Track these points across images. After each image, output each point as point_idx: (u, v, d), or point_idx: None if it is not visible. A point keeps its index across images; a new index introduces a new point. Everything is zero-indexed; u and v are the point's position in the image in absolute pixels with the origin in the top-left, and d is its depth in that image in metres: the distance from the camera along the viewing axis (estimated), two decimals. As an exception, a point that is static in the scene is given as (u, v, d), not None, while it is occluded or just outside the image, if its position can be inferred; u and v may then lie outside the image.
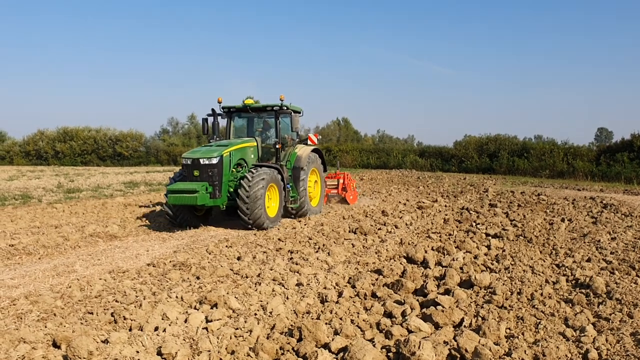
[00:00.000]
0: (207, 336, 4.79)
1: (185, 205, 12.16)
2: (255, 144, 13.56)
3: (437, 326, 5.15)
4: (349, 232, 10.94)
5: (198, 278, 7.30)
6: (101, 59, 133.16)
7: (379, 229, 11.27)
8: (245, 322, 5.28)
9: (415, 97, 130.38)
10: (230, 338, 4.87)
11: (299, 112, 14.65)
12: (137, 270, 7.84)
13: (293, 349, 4.63)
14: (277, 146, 13.64)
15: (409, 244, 9.60)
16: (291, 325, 5.26)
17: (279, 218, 12.74)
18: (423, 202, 16.09)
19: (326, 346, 4.64)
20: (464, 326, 5.12)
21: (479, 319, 5.32)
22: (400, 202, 16.97)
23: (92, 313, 5.74)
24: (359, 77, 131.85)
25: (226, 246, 9.73)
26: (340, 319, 5.32)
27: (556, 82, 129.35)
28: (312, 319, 5.39)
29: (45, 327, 5.32)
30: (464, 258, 8.19)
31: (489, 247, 9.30)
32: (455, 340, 4.60)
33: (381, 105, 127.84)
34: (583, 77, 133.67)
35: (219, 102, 14.30)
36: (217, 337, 4.83)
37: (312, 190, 14.97)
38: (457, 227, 11.74)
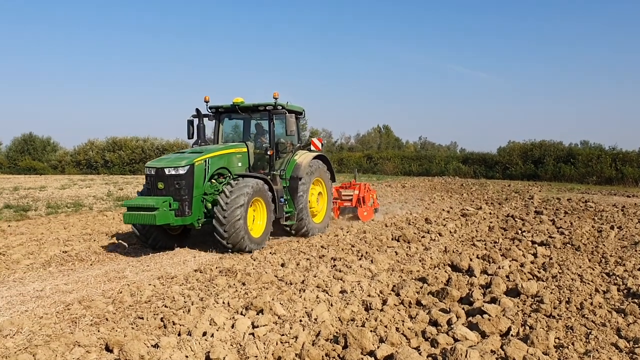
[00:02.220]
0: (254, 342, 4.87)
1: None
2: (245, 149, 11.71)
3: (483, 335, 5.10)
4: (392, 239, 10.91)
5: (244, 284, 7.40)
6: (147, 72, 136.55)
7: (423, 236, 11.19)
8: (291, 328, 5.34)
9: (458, 104, 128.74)
10: (277, 344, 4.94)
11: (300, 113, 12.98)
12: (185, 276, 8.02)
13: (339, 355, 4.66)
14: (268, 152, 11.86)
15: (453, 251, 9.51)
16: (336, 332, 5.29)
17: (266, 238, 10.87)
18: (467, 210, 15.91)
19: (372, 354, 4.65)
20: (512, 335, 5.05)
21: (527, 328, 5.24)
22: (443, 210, 16.81)
23: (142, 318, 5.89)
24: (400, 84, 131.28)
25: (270, 253, 9.85)
26: (385, 326, 5.32)
27: (603, 86, 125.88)
28: (357, 326, 5.41)
29: (98, 331, 5.50)
30: (509, 266, 8.08)
31: (535, 255, 9.13)
32: (503, 350, 4.55)
33: (423, 112, 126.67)
34: (630, 80, 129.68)
35: (206, 101, 12.39)
36: (264, 343, 4.90)
37: (315, 204, 12.95)
38: (502, 234, 11.57)
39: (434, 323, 5.53)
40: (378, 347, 4.66)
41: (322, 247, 10.26)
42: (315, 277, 7.54)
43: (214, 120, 12.62)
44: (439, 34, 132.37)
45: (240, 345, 4.90)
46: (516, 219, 13.86)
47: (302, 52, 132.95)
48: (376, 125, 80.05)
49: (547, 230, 11.84)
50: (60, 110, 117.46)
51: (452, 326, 5.20)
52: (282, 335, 5.18)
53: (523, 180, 35.75)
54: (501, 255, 8.95)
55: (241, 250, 10.06)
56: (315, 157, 12.95)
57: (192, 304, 6.26)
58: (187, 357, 4.64)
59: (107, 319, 5.94)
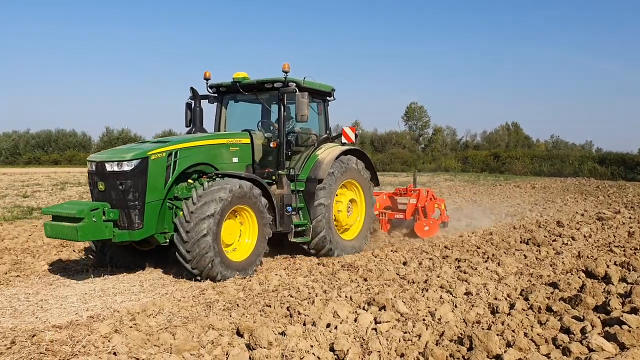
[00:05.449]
0: (377, 337, 4.91)
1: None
2: (247, 140, 9.15)
3: (622, 347, 4.74)
4: (521, 242, 10.46)
5: (365, 280, 7.49)
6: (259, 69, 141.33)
7: (554, 240, 10.62)
8: (414, 326, 5.31)
9: (594, 100, 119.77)
10: (399, 341, 4.94)
11: (328, 94, 10.46)
12: (309, 268, 8.29)
13: (463, 357, 4.57)
14: (271, 144, 9.30)
15: (587, 257, 8.93)
16: (460, 333, 5.19)
17: (254, 262, 8.28)
18: (604, 213, 14.84)
19: (498, 358, 4.51)
20: (655, 350, 4.66)
21: (674, 343, 4.81)
22: (577, 213, 15.82)
23: (270, 306, 6.16)
24: (530, 79, 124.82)
25: (391, 250, 9.86)
26: (513, 331, 5.13)
27: None
28: (483, 329, 5.27)
29: (230, 316, 5.84)
30: (653, 276, 7.44)
31: (684, 265, 8.32)
32: (645, 364, 4.22)
33: (555, 109, 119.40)
34: None
35: (206, 79, 9.94)
36: (387, 339, 4.92)
37: (344, 215, 10.09)
38: (644, 241, 10.67)
39: (565, 330, 5.24)
40: (505, 352, 4.51)
41: (445, 247, 10.08)
42: (438, 277, 7.44)
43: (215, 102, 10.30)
44: (573, 26, 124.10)
45: (363, 340, 4.97)
46: (661, 225, 12.72)
47: (428, 47, 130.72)
48: (504, 122, 77.22)
49: (698, 238, 10.75)
50: (179, 108, 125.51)
51: (586, 335, 4.90)
52: (405, 332, 5.17)
53: (669, 183, 32.65)
54: (643, 264, 8.26)
55: (212, 279, 7.59)
56: (346, 152, 10.10)
57: (315, 296, 6.45)
58: (312, 346, 4.79)
59: (237, 305, 6.28)
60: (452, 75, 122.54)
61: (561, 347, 4.67)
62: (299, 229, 9.33)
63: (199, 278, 7.59)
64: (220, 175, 8.25)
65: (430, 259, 8.95)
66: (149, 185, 7.58)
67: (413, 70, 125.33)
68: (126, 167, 7.47)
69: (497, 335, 4.92)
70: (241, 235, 8.28)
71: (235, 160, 8.92)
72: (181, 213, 7.51)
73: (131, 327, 5.47)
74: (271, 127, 9.80)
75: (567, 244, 10.31)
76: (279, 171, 9.22)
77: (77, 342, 4.98)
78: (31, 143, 70.99)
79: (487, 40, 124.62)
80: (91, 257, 8.90)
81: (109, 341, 4.99)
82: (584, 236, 11.23)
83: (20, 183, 27.94)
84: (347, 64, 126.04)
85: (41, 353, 4.70)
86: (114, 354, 4.66)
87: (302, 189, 9.40)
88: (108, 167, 7.58)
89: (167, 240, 7.95)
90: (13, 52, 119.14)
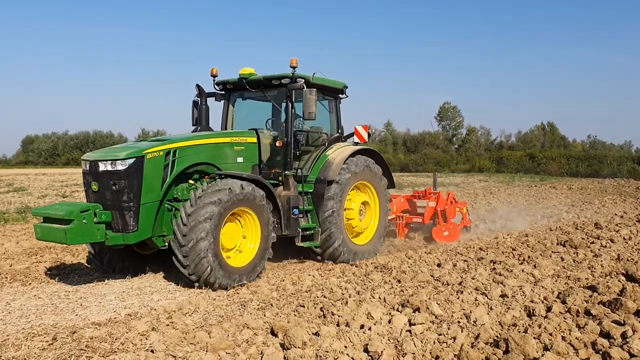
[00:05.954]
0: (411, 339, 4.88)
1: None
2: (253, 139, 8.75)
3: (665, 353, 4.63)
4: (557, 244, 10.26)
5: (399, 281, 7.45)
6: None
7: (592, 242, 10.39)
8: (449, 328, 5.27)
9: (633, 99, 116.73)
10: (434, 343, 4.90)
11: (341, 91, 10.03)
12: (342, 269, 8.30)
13: (499, 360, 4.52)
14: (277, 144, 8.87)
15: (628, 260, 8.71)
16: (496, 336, 5.13)
17: (257, 268, 7.82)
18: (644, 216, 14.46)
19: (535, 361, 4.45)
20: (700, 357, 4.53)
21: None
22: (616, 214, 15.44)
23: (303, 306, 6.19)
24: (566, 79, 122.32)
25: (425, 252, 9.78)
26: (550, 334, 5.04)
27: None
28: (519, 332, 5.19)
29: (264, 315, 5.89)
30: (697, 280, 7.21)
31: None
32: (689, 371, 4.10)
33: (593, 109, 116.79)
34: None
35: (213, 76, 9.58)
36: (421, 341, 4.89)
37: (357, 218, 9.63)
38: (687, 244, 10.35)
39: (605, 335, 5.13)
40: (542, 355, 4.43)
41: (480, 249, 9.95)
42: (473, 279, 7.36)
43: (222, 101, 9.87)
44: (611, 25, 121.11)
45: (398, 341, 4.95)
46: None
47: (462, 47, 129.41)
48: (539, 122, 75.94)
49: None
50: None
51: (627, 340, 4.78)
52: (440, 335, 5.13)
53: None
54: (686, 268, 8.02)
55: (210, 287, 7.21)
56: (359, 152, 9.63)
57: (349, 297, 6.45)
58: (346, 347, 4.79)
59: (271, 305, 6.33)
60: (486, 75, 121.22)
61: (601, 352, 4.58)
62: (307, 232, 8.93)
63: (196, 285, 7.22)
64: (222, 176, 7.86)
65: (465, 260, 8.86)
66: (144, 185, 7.21)
67: (446, 70, 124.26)
68: (120, 166, 7.10)
69: (534, 338, 4.84)
70: (243, 240, 7.85)
71: (240, 160, 8.52)
72: (179, 216, 7.15)
73: (168, 325, 5.56)
74: (280, 126, 9.41)
75: (605, 246, 10.08)
76: (286, 172, 8.80)
77: (116, 339, 5.09)
78: (69, 144, 72.83)
79: (524, 38, 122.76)
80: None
81: (146, 339, 5.08)
82: (624, 238, 10.96)
83: (60, 183, 28.67)
84: (370, 64, 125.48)
85: (81, 349, 4.81)
86: (152, 351, 4.75)
87: (311, 190, 8.98)
88: (101, 167, 7.22)
89: (166, 244, 7.58)
90: (53, 54, 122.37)
